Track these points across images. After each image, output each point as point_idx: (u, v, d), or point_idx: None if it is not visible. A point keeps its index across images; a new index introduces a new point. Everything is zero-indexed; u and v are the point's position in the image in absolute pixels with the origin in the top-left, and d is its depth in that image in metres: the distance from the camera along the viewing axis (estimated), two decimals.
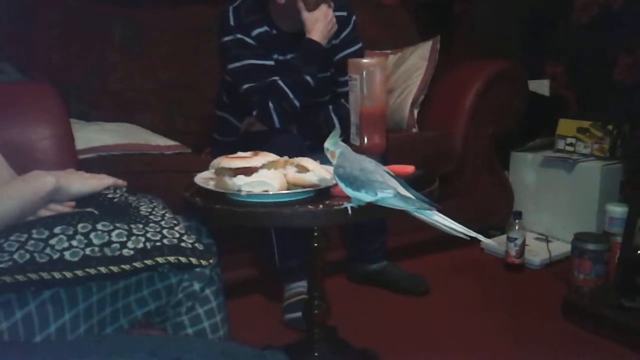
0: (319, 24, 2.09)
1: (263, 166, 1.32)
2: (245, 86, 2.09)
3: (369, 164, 1.25)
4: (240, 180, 1.29)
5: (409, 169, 1.60)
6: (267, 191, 1.29)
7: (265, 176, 1.29)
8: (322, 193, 1.35)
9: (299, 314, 1.85)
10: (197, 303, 1.23)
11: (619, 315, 2.03)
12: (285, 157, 1.40)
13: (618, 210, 2.42)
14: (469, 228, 1.20)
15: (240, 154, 1.38)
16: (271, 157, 1.36)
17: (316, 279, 1.71)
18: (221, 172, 1.33)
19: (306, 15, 2.09)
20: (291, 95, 2.07)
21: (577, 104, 3.18)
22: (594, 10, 3.09)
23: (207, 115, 2.49)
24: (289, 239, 2.11)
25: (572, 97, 3.22)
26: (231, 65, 2.11)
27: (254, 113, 2.09)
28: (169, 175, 1.92)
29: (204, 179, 1.41)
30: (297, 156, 1.43)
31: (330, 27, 2.12)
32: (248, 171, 1.30)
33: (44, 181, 1.11)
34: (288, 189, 1.32)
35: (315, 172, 1.33)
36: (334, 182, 1.32)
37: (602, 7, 3.05)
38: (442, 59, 2.83)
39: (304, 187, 1.33)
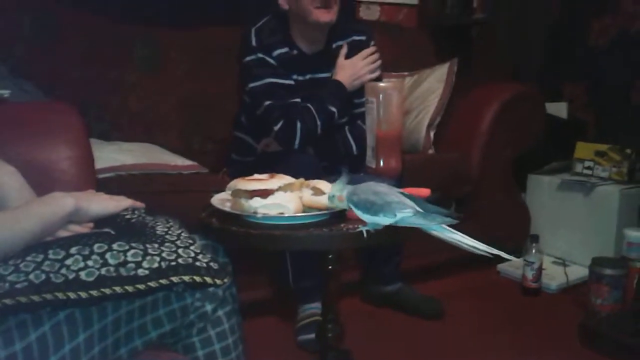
0: (345, 72, 2.18)
1: (279, 189, 1.32)
2: (267, 103, 2.11)
3: (382, 187, 1.24)
4: (257, 203, 1.30)
5: (425, 192, 1.59)
6: (282, 213, 1.30)
7: (281, 199, 1.30)
8: (338, 216, 1.36)
9: (312, 335, 1.85)
10: (208, 324, 1.22)
11: (637, 342, 2.00)
12: (302, 180, 1.40)
13: (636, 235, 2.40)
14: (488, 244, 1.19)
15: (256, 176, 1.39)
16: (287, 179, 1.37)
17: (330, 302, 1.71)
18: (237, 194, 1.34)
19: (339, 61, 2.20)
20: (318, 121, 2.11)
21: (595, 127, 3.16)
22: (612, 33, 3.09)
23: (224, 136, 2.51)
24: (303, 261, 2.12)
25: (590, 120, 3.21)
26: (252, 84, 2.14)
27: (276, 128, 2.11)
28: (187, 195, 1.93)
29: (221, 200, 1.42)
30: (313, 177, 1.44)
31: (355, 78, 2.17)
32: (264, 193, 1.31)
33: (63, 203, 1.12)
34: (303, 212, 1.32)
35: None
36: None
37: (620, 30, 3.05)
38: (459, 81, 2.84)
39: (319, 209, 1.33)
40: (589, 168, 2.83)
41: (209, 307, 1.21)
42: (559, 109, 3.20)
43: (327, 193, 1.33)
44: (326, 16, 2.12)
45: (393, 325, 2.31)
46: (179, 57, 2.71)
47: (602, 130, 3.12)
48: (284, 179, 1.36)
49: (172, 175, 2.21)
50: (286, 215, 1.30)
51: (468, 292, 2.60)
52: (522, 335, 2.23)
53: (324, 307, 1.73)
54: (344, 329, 1.72)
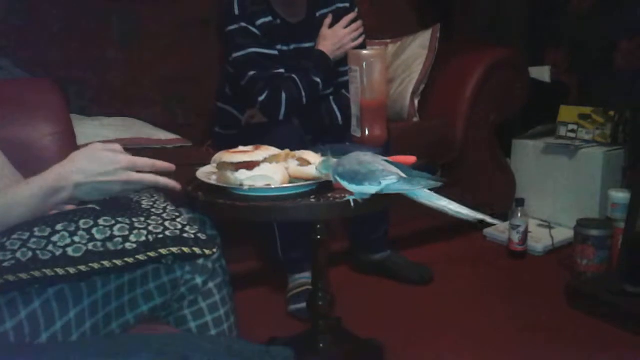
0: (328, 41, 2.15)
1: (265, 160, 1.32)
2: (251, 73, 2.09)
3: (366, 156, 1.24)
4: (242, 175, 1.30)
5: (411, 159, 1.59)
6: (269, 185, 1.29)
7: (267, 170, 1.30)
8: (325, 186, 1.35)
9: (304, 304, 1.87)
10: (199, 296, 1.23)
11: (623, 301, 2.04)
12: (287, 151, 1.40)
13: (620, 196, 2.41)
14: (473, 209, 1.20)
15: (241, 148, 1.38)
16: (273, 150, 1.37)
17: (320, 271, 1.72)
18: (223, 166, 1.33)
19: (322, 31, 2.17)
20: (303, 92, 2.10)
21: (579, 91, 3.17)
22: None
23: (207, 108, 2.49)
24: (291, 231, 2.12)
25: (573, 83, 3.21)
26: (235, 54, 2.12)
27: (260, 99, 2.09)
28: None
29: (206, 173, 1.41)
30: (298, 149, 1.44)
31: (337, 47, 2.15)
32: (250, 165, 1.30)
33: (60, 197, 1.08)
34: (290, 183, 1.32)
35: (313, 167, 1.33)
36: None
37: None
38: (443, 47, 2.82)
39: (305, 180, 1.33)
40: (572, 131, 2.84)
41: (199, 280, 1.21)
42: (542, 73, 3.20)
43: (313, 163, 1.32)
44: None
45: (383, 293, 2.33)
46: (158, 30, 2.66)
47: (585, 94, 3.13)
48: (269, 151, 1.36)
49: (155, 149, 2.19)
50: (273, 186, 1.29)
51: (456, 257, 2.62)
52: (510, 297, 2.26)
53: (314, 277, 1.74)
54: (334, 297, 1.74)
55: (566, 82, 3.22)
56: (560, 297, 2.18)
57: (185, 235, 1.12)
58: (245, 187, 1.29)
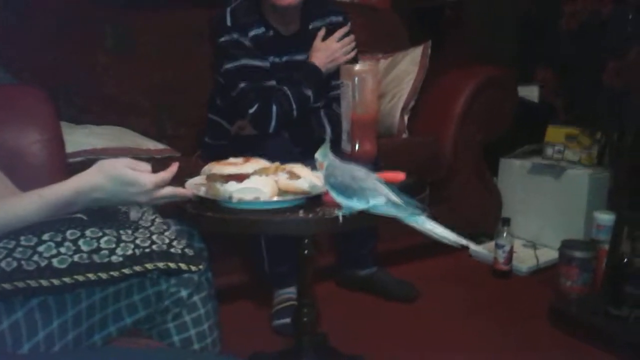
0: (320, 54, 2.16)
1: (254, 173, 1.31)
2: (242, 85, 2.09)
3: (360, 172, 1.25)
4: (232, 187, 1.29)
5: (400, 176, 1.60)
6: (258, 198, 1.29)
7: (256, 183, 1.29)
8: (314, 200, 1.35)
9: (288, 320, 1.85)
10: (184, 310, 1.22)
11: (606, 323, 2.04)
12: (277, 164, 1.39)
13: (605, 218, 2.43)
14: (458, 234, 1.20)
15: (231, 160, 1.37)
16: (262, 163, 1.36)
17: (305, 286, 1.71)
18: (212, 178, 1.33)
19: (315, 43, 2.18)
20: (293, 105, 2.09)
21: (566, 111, 3.19)
22: (583, 16, 3.10)
23: (197, 119, 2.49)
24: (278, 245, 2.11)
25: (561, 103, 3.23)
26: (227, 65, 2.12)
27: (251, 111, 2.08)
28: None
29: (196, 185, 1.40)
30: (288, 162, 1.43)
31: (330, 60, 2.16)
32: (239, 178, 1.29)
33: (73, 209, 1.09)
34: (279, 196, 1.31)
35: (306, 179, 1.32)
36: (325, 189, 1.32)
37: (592, 14, 3.06)
38: (433, 64, 2.83)
39: (295, 194, 1.33)
40: (559, 152, 2.86)
41: (184, 293, 1.21)
42: (530, 93, 3.22)
43: (303, 177, 1.32)
44: (284, 1, 2.08)
45: (368, 309, 2.32)
46: (150, 39, 2.65)
47: (573, 114, 3.15)
48: (259, 163, 1.35)
49: (144, 159, 2.17)
50: (262, 199, 1.29)
51: (441, 275, 2.62)
52: (493, 317, 2.25)
53: (300, 292, 1.73)
54: (319, 313, 1.73)
55: (554, 102, 3.24)
56: (544, 317, 2.19)
57: (172, 250, 1.11)
58: (234, 200, 1.29)
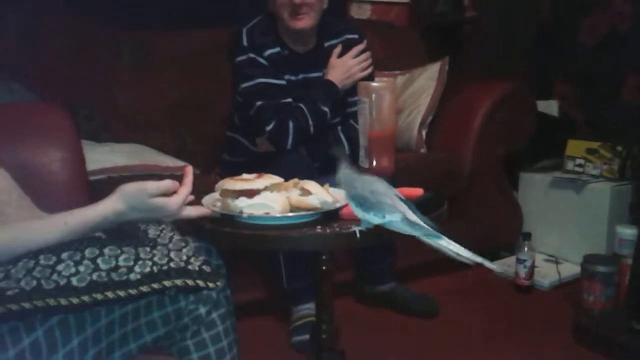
0: (337, 71, 2.17)
1: (266, 188, 1.31)
2: (258, 103, 2.11)
3: (380, 186, 1.24)
4: (242, 202, 1.29)
5: (418, 192, 1.59)
6: (268, 213, 1.29)
7: (267, 199, 1.29)
8: (330, 216, 1.35)
9: (307, 336, 1.85)
10: (202, 327, 1.22)
11: (629, 339, 2.01)
12: (295, 180, 1.40)
13: (628, 232, 2.40)
14: (478, 249, 1.20)
15: (244, 176, 1.38)
16: (274, 179, 1.36)
17: (324, 302, 1.71)
18: (225, 193, 1.33)
19: (331, 60, 2.19)
20: (310, 121, 2.10)
21: (586, 125, 3.17)
22: (602, 30, 3.10)
23: (216, 136, 2.50)
24: (296, 261, 2.11)
25: (581, 117, 3.22)
26: (243, 85, 2.14)
27: (268, 129, 2.10)
28: None
29: (212, 200, 1.41)
30: (306, 178, 1.44)
31: (346, 76, 2.17)
32: (250, 193, 1.30)
33: (98, 230, 1.12)
34: (291, 212, 1.31)
35: (318, 196, 1.32)
36: (338, 205, 1.32)
37: (611, 28, 3.05)
38: (451, 79, 2.84)
39: (307, 210, 1.32)
40: (580, 166, 2.84)
41: (202, 310, 1.21)
42: (550, 107, 3.20)
43: (314, 193, 1.32)
44: (298, 24, 2.11)
45: (387, 325, 2.31)
46: (168, 58, 2.69)
47: (593, 128, 3.13)
48: (271, 179, 1.35)
49: (163, 176, 2.19)
50: (271, 215, 1.29)
51: (461, 290, 2.60)
52: (515, 332, 2.24)
53: (318, 308, 1.72)
54: (338, 329, 1.72)
55: (574, 116, 3.23)
56: (566, 333, 2.16)
57: (190, 267, 1.12)
58: (245, 215, 1.29)
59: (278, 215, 1.29)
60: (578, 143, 2.87)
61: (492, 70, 3.36)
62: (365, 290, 2.45)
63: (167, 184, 1.15)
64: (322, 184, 1.41)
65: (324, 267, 1.66)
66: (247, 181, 1.33)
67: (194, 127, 2.67)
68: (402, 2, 3.62)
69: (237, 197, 1.30)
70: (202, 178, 2.29)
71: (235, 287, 1.36)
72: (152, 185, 1.13)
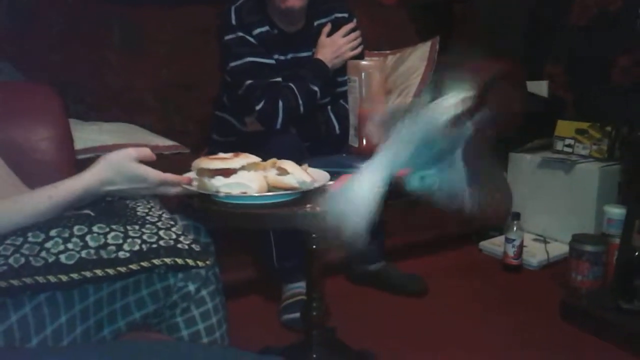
0: (326, 50, 2.15)
1: (243, 168, 1.30)
2: (248, 82, 2.09)
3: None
4: (218, 181, 1.28)
5: (406, 170, 1.59)
6: (245, 193, 1.28)
7: (243, 178, 1.28)
8: (317, 194, 1.34)
9: (297, 314, 1.86)
10: (192, 304, 1.22)
11: (617, 318, 2.04)
12: (273, 159, 1.38)
13: (616, 211, 2.42)
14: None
15: (221, 154, 1.37)
16: (252, 158, 1.35)
17: (314, 281, 1.71)
18: (201, 172, 1.32)
19: (320, 39, 2.17)
20: (300, 100, 2.09)
21: (575, 106, 3.18)
22: (592, 12, 3.09)
23: (205, 116, 2.49)
24: (287, 239, 2.12)
25: (571, 98, 3.22)
26: (232, 64, 2.12)
27: (257, 108, 2.08)
28: None
29: (191, 179, 1.39)
30: (295, 157, 1.43)
31: (335, 56, 2.15)
32: (227, 172, 1.29)
33: (83, 204, 1.12)
34: (269, 192, 1.31)
35: (295, 175, 1.31)
36: (317, 184, 1.31)
37: (601, 9, 3.05)
38: (442, 59, 2.83)
39: (284, 189, 1.31)
40: (569, 146, 2.85)
41: (192, 287, 1.21)
42: (539, 88, 3.20)
43: (291, 172, 1.31)
44: (290, 2, 2.06)
45: (377, 304, 2.33)
46: (158, 37, 2.67)
47: (583, 109, 3.14)
48: (248, 158, 1.34)
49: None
50: (248, 194, 1.28)
51: (450, 270, 2.62)
52: (504, 311, 2.26)
53: (308, 287, 1.73)
54: (328, 307, 1.73)
55: (563, 97, 3.23)
56: (555, 312, 2.18)
57: (179, 245, 1.11)
58: (221, 194, 1.28)
59: (255, 194, 1.28)
60: (567, 123, 2.88)
61: (482, 50, 3.35)
62: (356, 270, 2.46)
63: (145, 150, 1.17)
64: (310, 165, 1.41)
65: (314, 246, 1.66)
66: (224, 160, 1.31)
67: (183, 106, 2.66)
68: None
69: (213, 176, 1.29)
70: (191, 157, 2.28)
71: (226, 266, 1.36)
72: (133, 150, 1.15)
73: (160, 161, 1.89)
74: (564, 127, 2.88)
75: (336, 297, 2.02)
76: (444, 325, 2.15)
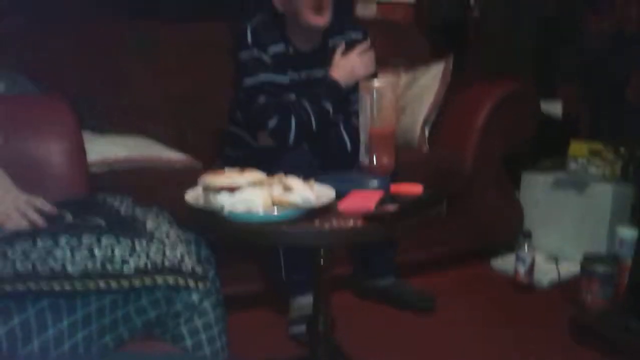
0: (340, 69, 2.17)
1: (248, 184, 1.32)
2: (261, 100, 2.12)
3: None
4: (224, 198, 1.30)
5: (417, 188, 1.61)
6: (250, 210, 1.30)
7: (249, 194, 1.30)
8: (327, 211, 1.36)
9: (304, 327, 1.86)
10: (195, 314, 1.24)
11: (627, 338, 2.02)
12: (279, 176, 1.39)
13: (628, 233, 2.41)
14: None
15: (227, 171, 1.38)
16: (257, 175, 1.36)
17: (322, 296, 1.72)
18: (207, 188, 1.34)
19: (335, 58, 2.18)
20: (313, 118, 2.12)
21: (589, 126, 3.17)
22: (608, 31, 3.09)
23: (218, 130, 2.51)
24: (296, 253, 2.12)
25: (585, 118, 3.22)
26: (247, 81, 2.15)
27: (270, 125, 2.11)
28: (180, 189, 1.94)
29: (195, 195, 1.41)
30: (307, 174, 1.45)
31: (349, 75, 2.16)
32: (232, 189, 1.30)
33: None
34: (274, 208, 1.32)
35: (300, 192, 1.33)
36: (322, 202, 1.33)
37: (616, 29, 3.05)
38: (455, 79, 2.84)
39: (288, 206, 1.32)
40: (582, 166, 2.84)
41: (195, 297, 1.23)
42: (553, 107, 3.21)
43: (296, 190, 1.32)
44: (319, 20, 2.12)
45: (385, 320, 2.32)
46: (172, 49, 2.69)
47: (596, 129, 3.13)
48: (253, 175, 1.36)
49: (164, 168, 2.21)
50: (253, 211, 1.30)
51: (461, 287, 2.61)
52: (513, 330, 2.24)
53: (315, 301, 1.74)
54: (335, 322, 1.74)
55: (577, 117, 3.23)
56: (565, 331, 2.17)
57: (182, 266, 1.14)
58: (226, 211, 1.30)
59: (259, 211, 1.29)
60: (581, 144, 2.87)
61: (496, 69, 3.36)
62: (365, 285, 2.46)
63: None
64: (321, 181, 1.42)
65: (322, 261, 1.67)
66: (230, 177, 1.33)
67: (196, 120, 2.67)
68: (407, 2, 3.62)
69: (219, 193, 1.30)
70: (203, 172, 2.31)
71: (234, 278, 1.38)
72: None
73: (172, 174, 1.93)
74: (578, 148, 2.87)
75: (343, 311, 2.02)
76: (451, 343, 2.14)
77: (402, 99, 2.84)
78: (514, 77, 3.00)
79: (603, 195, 2.70)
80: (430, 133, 2.80)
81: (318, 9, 2.11)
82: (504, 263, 2.74)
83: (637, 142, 2.74)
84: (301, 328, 2.04)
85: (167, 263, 1.12)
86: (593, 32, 3.11)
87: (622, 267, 2.31)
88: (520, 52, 3.43)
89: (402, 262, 2.50)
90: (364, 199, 1.48)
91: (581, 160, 2.85)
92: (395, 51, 3.09)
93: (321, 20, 2.12)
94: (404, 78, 2.98)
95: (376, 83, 1.75)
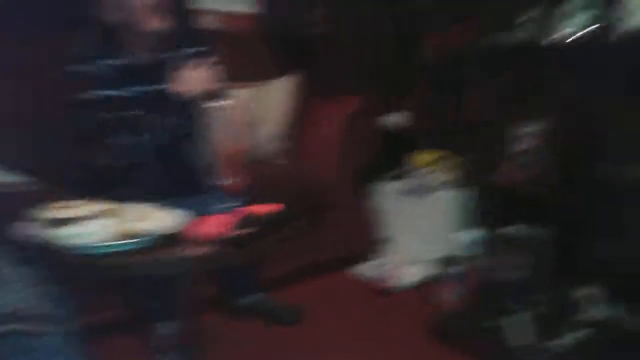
0: (182, 83, 2.05)
1: (93, 215, 1.27)
2: (101, 116, 2.03)
3: None
4: (68, 230, 1.24)
5: (275, 207, 1.61)
6: (94, 241, 1.25)
7: (93, 226, 1.25)
8: (183, 238, 1.34)
9: (170, 353, 1.82)
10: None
11: (479, 336, 2.15)
12: (122, 205, 1.35)
13: (471, 235, 2.56)
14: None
15: (72, 202, 1.33)
16: (104, 205, 1.32)
17: (186, 319, 1.69)
18: (49, 221, 1.27)
19: (177, 73, 2.07)
20: (157, 135, 2.05)
21: (432, 136, 3.32)
22: (444, 49, 3.25)
23: (58, 149, 2.36)
24: (153, 280, 2.06)
25: (429, 128, 3.37)
26: (84, 96, 2.05)
27: (113, 142, 2.03)
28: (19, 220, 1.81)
29: (36, 228, 1.34)
30: (158, 194, 1.41)
31: (193, 89, 2.05)
32: (77, 220, 1.25)
33: None
34: (123, 238, 1.28)
35: (151, 221, 1.30)
36: (173, 229, 1.30)
37: (448, 47, 3.21)
38: (303, 94, 2.89)
39: (139, 235, 1.29)
40: (426, 174, 2.99)
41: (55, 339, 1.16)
42: (398, 120, 3.34)
43: (145, 218, 1.29)
44: (156, 22, 2.03)
45: (254, 336, 2.32)
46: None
47: (439, 139, 3.28)
48: (99, 205, 1.31)
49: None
50: (99, 243, 1.25)
51: (326, 296, 2.66)
52: (376, 334, 2.32)
53: (180, 325, 1.70)
54: (203, 344, 1.70)
55: (421, 128, 3.37)
56: (424, 332, 2.28)
57: (35, 311, 1.08)
58: (70, 244, 1.24)
59: (106, 243, 1.25)
60: (424, 153, 3.03)
61: (344, 84, 3.40)
62: (232, 304, 2.44)
63: None
64: (172, 202, 1.39)
65: (181, 286, 1.64)
66: (72, 209, 1.27)
67: (32, 143, 2.50)
68: (253, 14, 3.52)
69: (62, 225, 1.24)
70: (45, 196, 2.17)
71: (96, 307, 1.31)
72: None
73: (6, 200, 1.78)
74: (421, 157, 3.03)
75: (212, 333, 1.99)
76: (319, 352, 2.19)
77: (251, 114, 2.84)
78: (360, 93, 3.08)
79: (447, 201, 2.88)
80: (282, 149, 2.83)
81: (154, 12, 2.03)
82: (367, 270, 2.82)
83: (472, 149, 2.92)
84: (167, 355, 1.98)
85: (21, 308, 1.06)
86: (431, 50, 3.26)
87: (472, 268, 2.45)
88: (366, 67, 3.51)
89: (268, 277, 2.50)
90: (219, 222, 1.46)
91: (425, 168, 3.00)
92: (241, 65, 3.05)
93: (155, 22, 2.03)
94: (251, 93, 2.96)
95: (223, 99, 1.72)
